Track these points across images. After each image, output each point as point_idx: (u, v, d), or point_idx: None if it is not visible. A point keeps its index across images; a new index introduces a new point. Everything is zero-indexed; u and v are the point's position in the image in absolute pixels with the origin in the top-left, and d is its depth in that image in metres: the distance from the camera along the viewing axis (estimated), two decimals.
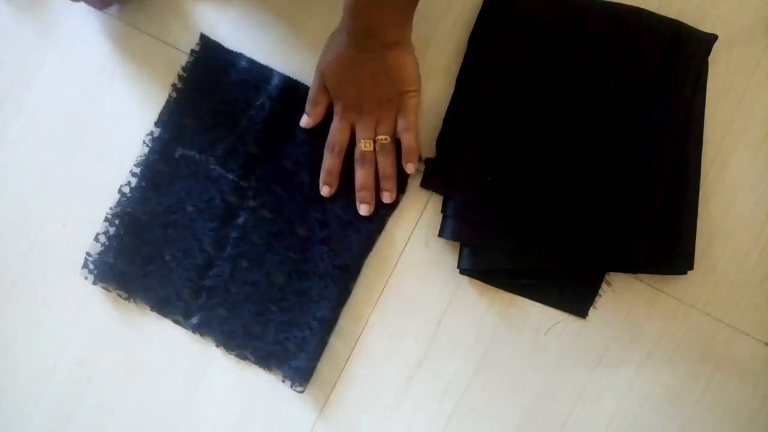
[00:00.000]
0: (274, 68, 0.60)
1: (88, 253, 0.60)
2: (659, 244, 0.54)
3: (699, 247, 0.56)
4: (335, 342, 0.59)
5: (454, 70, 0.59)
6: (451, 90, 0.58)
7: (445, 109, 0.58)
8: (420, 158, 0.58)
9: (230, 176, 0.59)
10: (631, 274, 0.57)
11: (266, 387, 0.59)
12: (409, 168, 0.57)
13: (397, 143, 0.58)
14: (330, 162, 0.58)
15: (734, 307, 0.57)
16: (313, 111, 0.58)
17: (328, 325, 0.58)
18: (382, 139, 0.57)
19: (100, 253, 0.60)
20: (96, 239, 0.60)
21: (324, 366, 0.59)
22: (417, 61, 0.56)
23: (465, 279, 0.58)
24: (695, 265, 0.56)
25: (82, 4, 0.59)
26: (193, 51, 0.60)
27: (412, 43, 0.56)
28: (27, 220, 0.61)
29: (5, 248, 0.61)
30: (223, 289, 0.59)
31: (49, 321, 0.61)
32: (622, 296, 0.58)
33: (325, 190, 0.58)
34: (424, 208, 0.59)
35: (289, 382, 0.58)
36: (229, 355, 0.59)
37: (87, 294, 0.60)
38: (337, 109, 0.57)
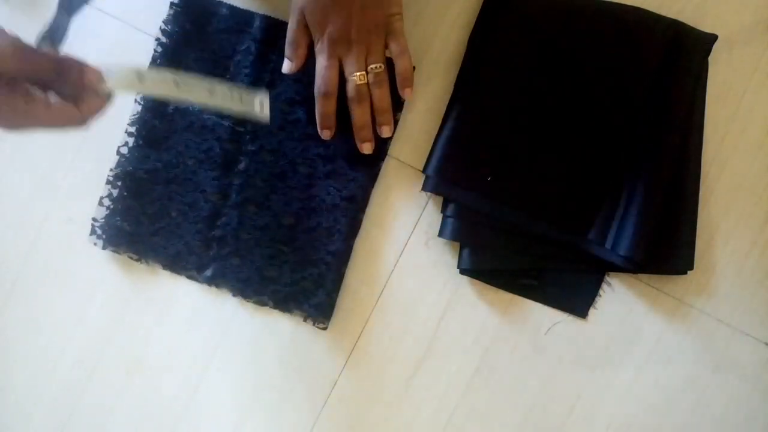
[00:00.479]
0: (254, 11, 0.60)
1: (94, 219, 0.60)
2: (659, 244, 0.54)
3: (699, 247, 0.56)
4: (336, 340, 0.59)
5: (454, 70, 0.59)
6: (451, 90, 0.58)
7: (445, 109, 0.58)
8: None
9: (225, 123, 0.59)
10: (631, 274, 0.57)
11: (266, 387, 0.59)
12: (407, 93, 0.55)
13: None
14: (325, 106, 0.55)
15: (734, 307, 0.57)
16: (296, 54, 0.54)
17: (342, 257, 0.58)
18: (375, 68, 0.53)
19: (106, 217, 0.59)
20: (100, 203, 0.59)
21: (324, 366, 0.59)
22: None
23: (465, 279, 0.58)
24: (695, 265, 0.56)
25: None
26: (172, 3, 0.60)
27: None
28: (27, 220, 0.61)
29: (5, 248, 0.61)
30: (233, 237, 0.58)
31: (49, 321, 0.61)
32: (622, 296, 0.58)
33: (325, 134, 0.56)
34: (424, 208, 0.59)
35: (311, 321, 0.58)
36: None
37: (87, 293, 0.60)
38: (322, 47, 0.53)
